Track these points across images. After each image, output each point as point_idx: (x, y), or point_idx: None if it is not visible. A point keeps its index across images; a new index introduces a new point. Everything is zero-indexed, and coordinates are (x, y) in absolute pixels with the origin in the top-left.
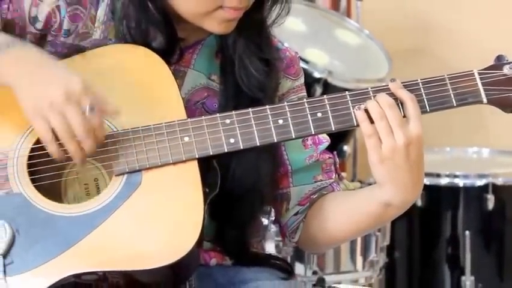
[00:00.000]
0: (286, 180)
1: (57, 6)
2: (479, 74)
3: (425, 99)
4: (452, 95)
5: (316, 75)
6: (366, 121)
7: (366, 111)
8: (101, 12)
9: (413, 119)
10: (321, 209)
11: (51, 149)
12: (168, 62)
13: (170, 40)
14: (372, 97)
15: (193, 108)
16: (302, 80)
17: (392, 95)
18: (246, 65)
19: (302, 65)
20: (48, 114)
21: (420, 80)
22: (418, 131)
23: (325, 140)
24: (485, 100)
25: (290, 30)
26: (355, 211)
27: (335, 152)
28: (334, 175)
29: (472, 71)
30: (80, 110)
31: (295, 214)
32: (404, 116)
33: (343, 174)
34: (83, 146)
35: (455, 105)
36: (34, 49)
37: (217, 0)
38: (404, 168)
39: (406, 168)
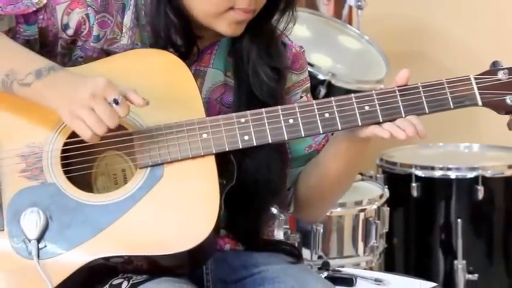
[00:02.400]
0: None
1: (87, 15)
2: (475, 79)
3: (424, 102)
4: (449, 98)
5: (321, 77)
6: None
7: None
8: (127, 19)
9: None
10: (301, 174)
11: (92, 141)
12: (188, 64)
13: (189, 43)
14: (376, 99)
15: (213, 103)
16: (306, 73)
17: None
18: (258, 73)
19: (307, 68)
20: (81, 112)
21: (421, 83)
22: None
23: None
24: (480, 103)
25: (296, 36)
26: (325, 160)
27: None
28: None
29: (468, 76)
30: (107, 104)
31: (288, 189)
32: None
33: None
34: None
35: (452, 107)
36: (65, 70)
37: (229, 1)
38: None
39: None
